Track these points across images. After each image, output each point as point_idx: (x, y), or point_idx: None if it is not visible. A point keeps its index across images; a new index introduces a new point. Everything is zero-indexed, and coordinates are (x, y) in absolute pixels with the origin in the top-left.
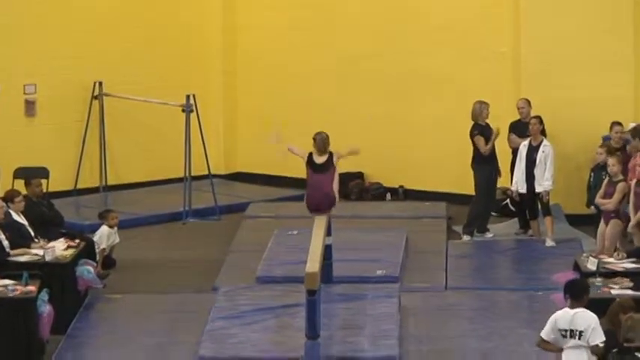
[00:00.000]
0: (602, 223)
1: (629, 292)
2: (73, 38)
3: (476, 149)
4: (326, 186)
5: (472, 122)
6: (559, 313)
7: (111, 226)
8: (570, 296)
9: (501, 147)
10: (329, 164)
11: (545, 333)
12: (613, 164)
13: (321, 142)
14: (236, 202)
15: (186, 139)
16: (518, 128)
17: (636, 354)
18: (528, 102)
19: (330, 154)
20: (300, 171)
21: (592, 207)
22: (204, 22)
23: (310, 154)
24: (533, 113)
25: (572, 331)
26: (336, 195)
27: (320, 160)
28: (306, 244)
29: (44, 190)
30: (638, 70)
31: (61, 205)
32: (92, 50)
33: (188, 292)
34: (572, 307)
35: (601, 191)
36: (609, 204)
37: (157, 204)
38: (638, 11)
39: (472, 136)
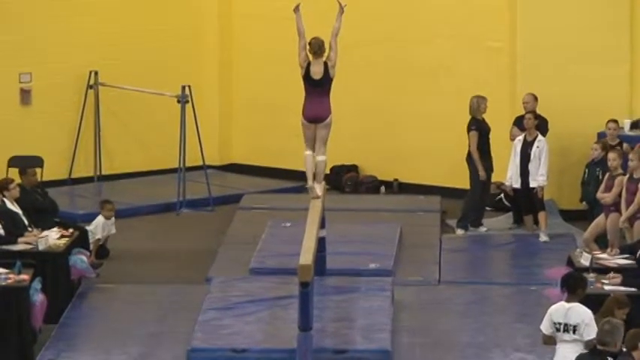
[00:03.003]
0: (601, 216)
1: (622, 287)
2: (69, 28)
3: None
4: (324, 99)
5: (470, 117)
6: (555, 306)
7: (106, 217)
8: (566, 289)
9: (497, 141)
10: (326, 78)
11: (544, 327)
12: (613, 158)
13: (317, 45)
14: (230, 194)
15: (181, 130)
16: (522, 122)
17: (608, 358)
18: (534, 97)
19: (326, 65)
20: (294, 163)
21: (584, 202)
22: (200, 12)
23: (308, 66)
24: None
25: (566, 325)
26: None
27: (317, 74)
28: (300, 236)
29: (39, 179)
30: (634, 67)
31: (56, 195)
32: (88, 40)
33: (181, 282)
34: (568, 300)
35: (602, 186)
36: (608, 197)
37: (151, 194)
38: (635, 6)
39: (468, 130)
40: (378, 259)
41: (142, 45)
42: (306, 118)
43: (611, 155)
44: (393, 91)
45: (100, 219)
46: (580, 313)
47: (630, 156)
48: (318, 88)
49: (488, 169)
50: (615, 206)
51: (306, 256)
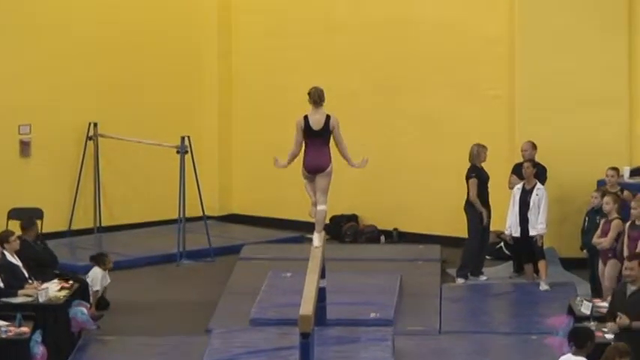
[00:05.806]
0: (600, 264)
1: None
2: (69, 79)
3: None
4: (324, 149)
5: (469, 164)
6: (562, 358)
7: (106, 270)
8: (574, 344)
9: (496, 191)
10: (326, 129)
11: None
12: (607, 202)
13: (316, 94)
14: (230, 244)
15: (181, 181)
16: (521, 171)
17: None
18: (533, 145)
19: (328, 117)
20: (294, 213)
21: (584, 250)
22: (200, 63)
23: (306, 118)
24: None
25: None
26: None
27: (317, 125)
28: (300, 287)
29: (38, 231)
30: (632, 114)
31: (55, 246)
32: (87, 91)
33: (182, 334)
34: (575, 354)
35: (598, 231)
36: (605, 242)
37: (151, 245)
38: (633, 53)
39: (468, 178)
40: (379, 309)
41: (141, 96)
42: (306, 168)
43: (606, 199)
44: (392, 141)
45: (97, 271)
46: None
47: (633, 204)
48: (317, 138)
49: (488, 215)
50: (612, 251)
51: (307, 307)
